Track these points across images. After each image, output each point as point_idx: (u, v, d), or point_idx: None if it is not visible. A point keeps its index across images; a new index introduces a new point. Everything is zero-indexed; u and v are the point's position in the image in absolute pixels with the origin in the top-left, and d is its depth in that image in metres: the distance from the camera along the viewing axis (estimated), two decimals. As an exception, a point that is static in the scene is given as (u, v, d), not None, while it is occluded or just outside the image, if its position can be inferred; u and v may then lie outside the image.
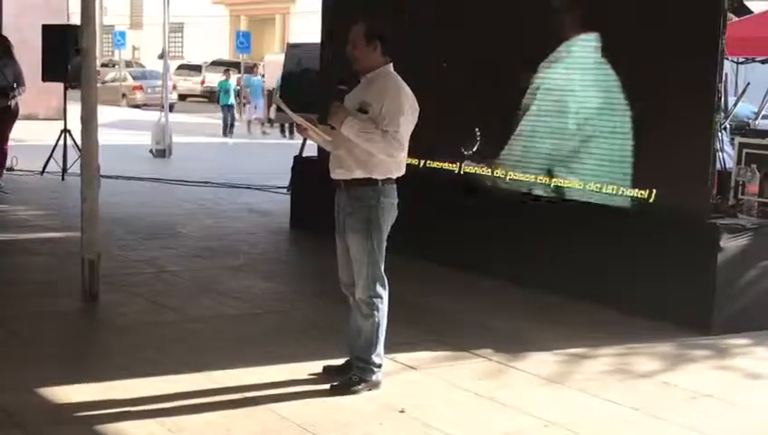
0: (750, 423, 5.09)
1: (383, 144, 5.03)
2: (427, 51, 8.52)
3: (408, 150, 5.19)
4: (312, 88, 10.14)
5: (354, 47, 5.18)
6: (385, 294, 5.25)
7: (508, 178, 8.09)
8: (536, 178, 7.86)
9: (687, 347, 6.33)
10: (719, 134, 7.16)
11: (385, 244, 5.22)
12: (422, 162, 8.67)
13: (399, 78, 5.21)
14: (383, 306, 5.25)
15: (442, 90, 8.26)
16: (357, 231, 5.16)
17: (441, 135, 8.15)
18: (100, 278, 6.97)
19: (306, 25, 32.94)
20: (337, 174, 5.23)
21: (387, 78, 5.18)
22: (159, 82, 27.30)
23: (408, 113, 5.10)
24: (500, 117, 8.17)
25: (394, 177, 5.22)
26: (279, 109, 17.00)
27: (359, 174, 5.14)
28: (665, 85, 6.94)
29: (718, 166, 7.20)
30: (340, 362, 5.44)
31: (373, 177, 5.13)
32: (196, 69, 40.73)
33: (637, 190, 7.12)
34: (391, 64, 5.23)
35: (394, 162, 5.16)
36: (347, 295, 5.37)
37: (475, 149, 8.40)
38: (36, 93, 15.14)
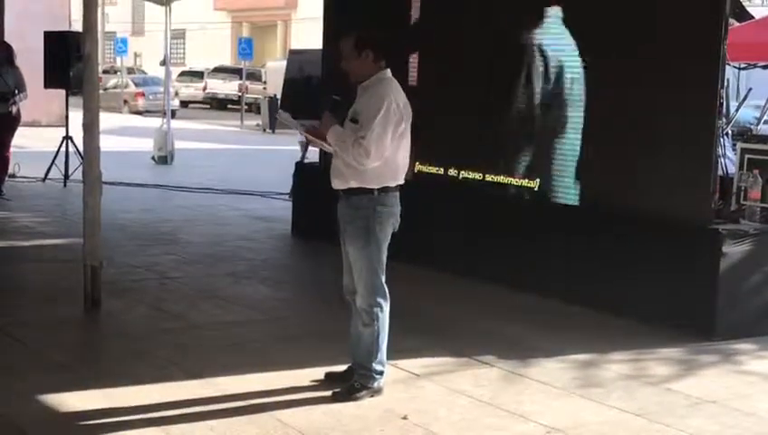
0: (753, 429, 5.07)
1: (351, 151, 5.02)
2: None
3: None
4: (314, 94, 10.13)
5: (347, 60, 5.21)
6: (386, 303, 5.24)
7: (509, 182, 8.09)
8: (532, 182, 7.86)
9: (690, 353, 6.33)
10: (721, 140, 7.16)
11: (385, 253, 5.21)
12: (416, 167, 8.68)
13: (393, 84, 5.19)
14: (383, 315, 5.24)
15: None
16: (355, 240, 5.16)
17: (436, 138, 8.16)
18: (103, 285, 6.96)
19: (308, 32, 32.96)
20: (335, 183, 5.24)
21: (378, 85, 5.16)
22: (161, 89, 27.31)
23: (387, 121, 5.03)
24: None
25: (391, 185, 5.19)
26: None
27: (354, 183, 5.14)
28: (666, 91, 6.94)
29: (720, 171, 7.19)
30: (342, 368, 5.43)
31: (368, 186, 5.13)
32: (198, 75, 40.78)
33: (639, 196, 7.11)
34: (388, 70, 5.22)
35: (388, 170, 5.13)
36: (350, 301, 5.36)
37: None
38: (38, 100, 15.13)
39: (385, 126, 5.03)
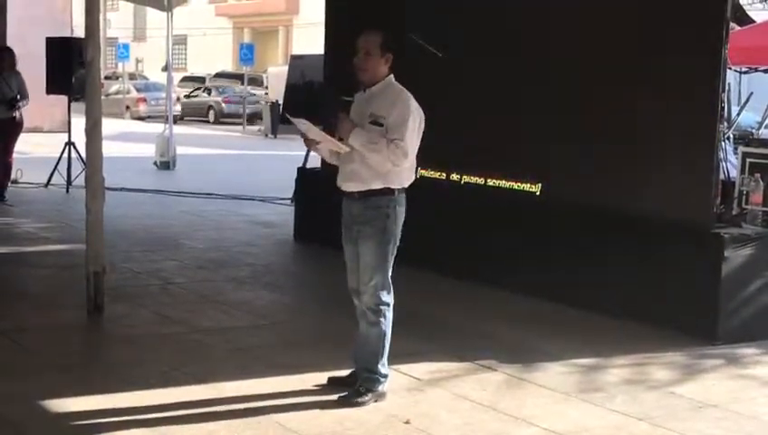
0: (755, 433, 5.07)
1: (387, 153, 5.07)
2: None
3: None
4: (316, 99, 10.15)
5: (367, 55, 5.17)
6: (391, 301, 5.27)
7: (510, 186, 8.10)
8: (533, 186, 7.88)
9: (692, 357, 6.33)
10: (722, 144, 7.16)
11: (395, 252, 5.25)
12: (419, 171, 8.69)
13: (404, 88, 5.24)
14: (389, 314, 5.27)
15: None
16: (372, 239, 5.18)
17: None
18: (105, 290, 6.97)
19: (309, 37, 33.00)
20: (351, 186, 5.24)
21: (392, 88, 5.22)
22: (163, 95, 27.32)
23: (414, 123, 5.14)
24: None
25: (407, 185, 5.27)
26: (283, 120, 16.95)
27: (376, 184, 5.17)
28: (668, 95, 6.95)
29: (722, 175, 7.20)
30: (345, 373, 5.44)
31: (391, 186, 5.18)
32: (199, 81, 40.81)
33: (641, 200, 7.11)
34: (392, 75, 5.26)
35: (406, 171, 5.22)
36: (356, 303, 5.37)
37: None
38: (41, 106, 15.16)
39: (414, 128, 5.15)
